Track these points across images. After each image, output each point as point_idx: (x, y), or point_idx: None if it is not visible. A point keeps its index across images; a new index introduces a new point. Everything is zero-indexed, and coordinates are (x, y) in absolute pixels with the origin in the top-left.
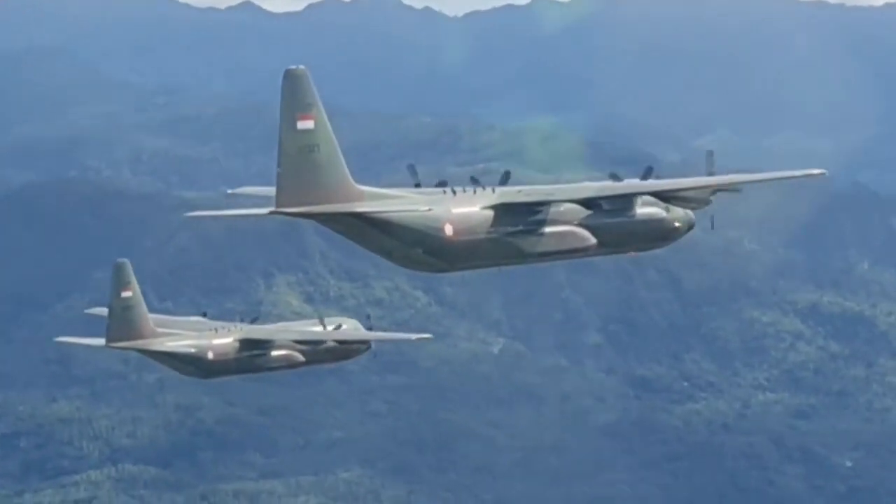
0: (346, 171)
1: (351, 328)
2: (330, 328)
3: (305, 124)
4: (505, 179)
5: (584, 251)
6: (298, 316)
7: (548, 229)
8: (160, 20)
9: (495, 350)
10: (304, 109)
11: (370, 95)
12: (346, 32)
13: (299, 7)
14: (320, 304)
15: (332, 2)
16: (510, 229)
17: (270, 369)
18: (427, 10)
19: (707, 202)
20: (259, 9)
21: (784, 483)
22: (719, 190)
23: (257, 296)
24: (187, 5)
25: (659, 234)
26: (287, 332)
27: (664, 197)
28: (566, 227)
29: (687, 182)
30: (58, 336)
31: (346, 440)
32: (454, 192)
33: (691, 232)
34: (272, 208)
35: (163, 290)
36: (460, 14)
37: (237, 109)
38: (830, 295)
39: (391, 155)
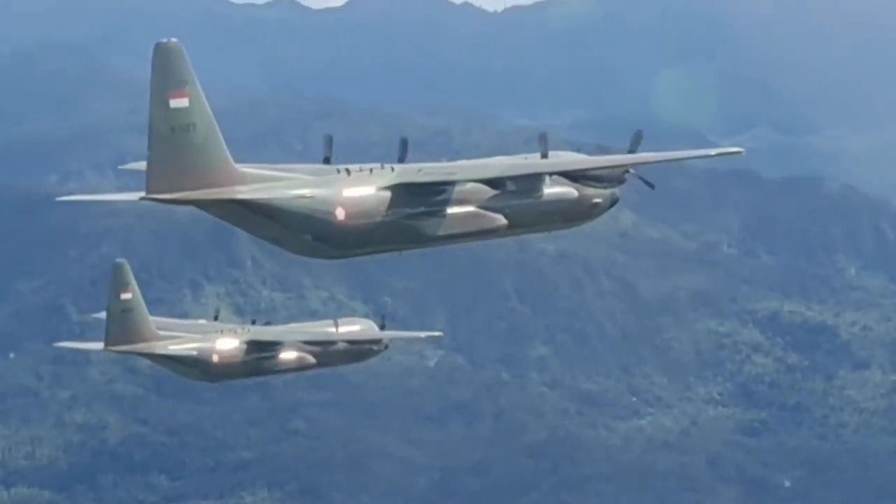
0: (226, 151)
1: (366, 328)
2: (343, 329)
3: (179, 102)
4: (403, 150)
5: (492, 232)
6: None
7: (451, 210)
8: (196, 16)
9: (431, 363)
10: (178, 86)
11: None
12: (386, 29)
13: (339, 3)
14: (250, 315)
15: None
16: (409, 211)
17: (279, 372)
18: (466, 4)
19: (622, 181)
20: (297, 4)
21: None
22: (640, 179)
23: (183, 307)
24: (225, 1)
25: (575, 212)
26: (296, 334)
27: (573, 177)
28: (471, 208)
29: (593, 161)
30: None
31: (256, 461)
32: (348, 172)
33: (614, 208)
34: (142, 194)
35: (82, 303)
36: (500, 9)
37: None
38: (793, 304)
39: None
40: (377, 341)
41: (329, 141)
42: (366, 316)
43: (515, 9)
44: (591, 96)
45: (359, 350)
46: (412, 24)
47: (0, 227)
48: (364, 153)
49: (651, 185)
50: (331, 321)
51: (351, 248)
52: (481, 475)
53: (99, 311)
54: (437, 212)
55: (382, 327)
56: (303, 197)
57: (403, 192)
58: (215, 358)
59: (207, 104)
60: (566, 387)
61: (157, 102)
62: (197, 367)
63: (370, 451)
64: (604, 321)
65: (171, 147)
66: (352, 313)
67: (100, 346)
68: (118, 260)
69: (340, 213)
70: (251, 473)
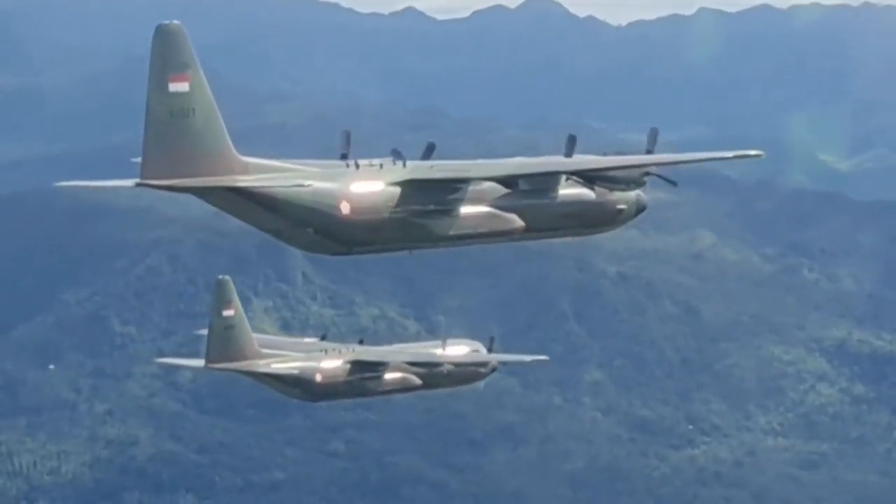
0: (228, 139)
1: (473, 351)
2: (450, 350)
3: (179, 86)
4: (428, 153)
5: (507, 234)
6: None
7: (464, 210)
8: (322, 25)
9: (481, 385)
10: (178, 69)
11: (517, 104)
12: (506, 40)
13: (465, 14)
14: (298, 331)
15: (498, 9)
16: (419, 208)
17: (383, 393)
18: (590, 18)
19: (641, 184)
20: (422, 14)
21: None
22: (658, 176)
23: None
24: (351, 10)
25: (596, 217)
26: (401, 354)
27: (588, 178)
28: (485, 208)
29: (606, 161)
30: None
31: (287, 482)
32: (357, 166)
33: (642, 215)
34: (138, 179)
35: (126, 314)
36: (624, 24)
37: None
38: (862, 332)
39: None
40: (484, 364)
41: (347, 137)
42: (417, 334)
43: (639, 23)
44: (710, 114)
45: (465, 372)
46: (534, 35)
47: (49, 236)
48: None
49: (673, 183)
50: (438, 342)
51: (355, 244)
52: (514, 503)
53: (142, 324)
54: (449, 210)
55: (490, 350)
56: (303, 186)
57: (414, 189)
58: (318, 377)
59: (209, 89)
60: (620, 413)
61: (155, 86)
62: (299, 386)
63: (404, 475)
64: (664, 346)
65: (168, 132)
66: (403, 332)
67: (201, 363)
68: (221, 276)
69: (345, 207)
70: (280, 495)
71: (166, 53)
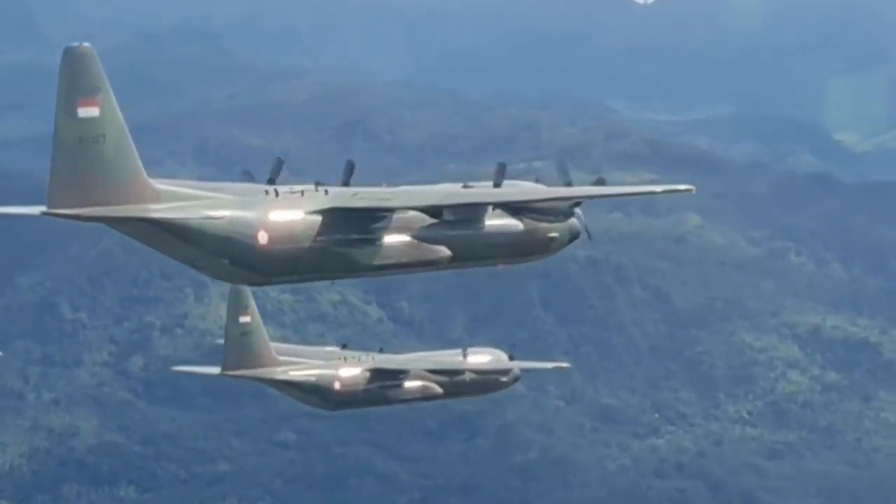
0: (139, 166)
1: (495, 359)
2: (472, 359)
3: (88, 111)
4: (348, 173)
5: (434, 264)
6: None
7: (387, 239)
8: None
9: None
10: (88, 94)
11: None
12: (534, 17)
13: None
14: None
15: None
16: (341, 238)
17: (404, 401)
18: None
19: (569, 215)
20: None
21: None
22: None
23: (183, 308)
24: None
25: (527, 246)
26: (422, 362)
27: (515, 209)
28: (409, 238)
29: (530, 194)
30: None
31: (232, 474)
32: (277, 193)
33: (575, 243)
34: (44, 208)
35: (78, 301)
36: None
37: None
38: (837, 318)
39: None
40: (506, 372)
41: (279, 163)
42: (379, 321)
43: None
44: (734, 92)
45: (486, 381)
46: (561, 10)
47: (2, 219)
48: (442, 147)
49: (589, 236)
50: (459, 350)
51: (273, 275)
52: (464, 496)
53: (94, 310)
54: (373, 239)
55: (511, 358)
56: (216, 218)
57: (335, 218)
58: (337, 385)
59: (121, 114)
60: (585, 401)
61: (63, 111)
62: (317, 394)
63: (353, 467)
64: (633, 332)
65: (77, 159)
66: (364, 318)
67: (216, 370)
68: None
69: (263, 237)
70: (224, 487)
71: (75, 77)
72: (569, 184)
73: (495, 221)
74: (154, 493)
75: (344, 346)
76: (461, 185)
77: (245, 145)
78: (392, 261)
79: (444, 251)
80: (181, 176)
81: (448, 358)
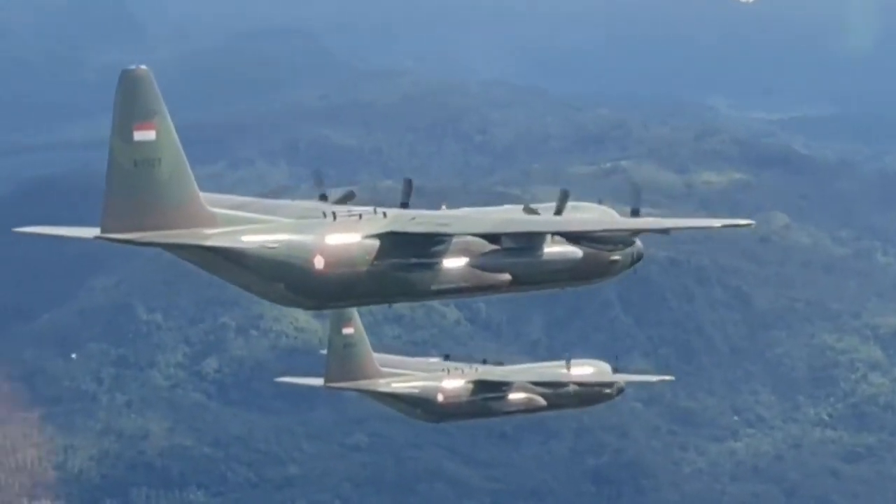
0: (196, 189)
1: (599, 371)
2: (575, 370)
3: (144, 135)
4: (407, 193)
5: (493, 288)
6: (301, 332)
7: (446, 263)
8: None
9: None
10: (144, 118)
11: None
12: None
13: None
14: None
15: None
16: (399, 262)
17: (507, 413)
18: None
19: (628, 244)
20: None
21: None
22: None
23: (259, 309)
24: None
25: (588, 271)
26: (525, 374)
27: (573, 237)
28: (468, 263)
29: (590, 224)
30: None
31: (300, 478)
32: (335, 216)
33: (639, 263)
34: (98, 232)
35: (152, 302)
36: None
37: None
38: None
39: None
40: (610, 384)
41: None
42: (457, 322)
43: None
44: (839, 92)
45: (590, 393)
46: (664, 8)
47: (80, 220)
48: (532, 146)
49: (666, 232)
50: (562, 362)
51: (330, 300)
52: (536, 500)
53: (169, 311)
54: (431, 264)
55: (615, 370)
56: (272, 245)
57: (393, 242)
58: (440, 397)
59: (177, 137)
60: (663, 404)
61: (119, 134)
62: (420, 406)
63: (424, 470)
64: (712, 334)
65: (132, 183)
66: (441, 320)
67: (320, 381)
68: None
69: (319, 262)
70: (293, 492)
71: (132, 100)
72: (636, 212)
73: (554, 248)
74: (223, 496)
75: (447, 358)
76: (522, 207)
77: (336, 145)
78: (451, 285)
79: (504, 276)
80: (272, 176)
81: (552, 370)
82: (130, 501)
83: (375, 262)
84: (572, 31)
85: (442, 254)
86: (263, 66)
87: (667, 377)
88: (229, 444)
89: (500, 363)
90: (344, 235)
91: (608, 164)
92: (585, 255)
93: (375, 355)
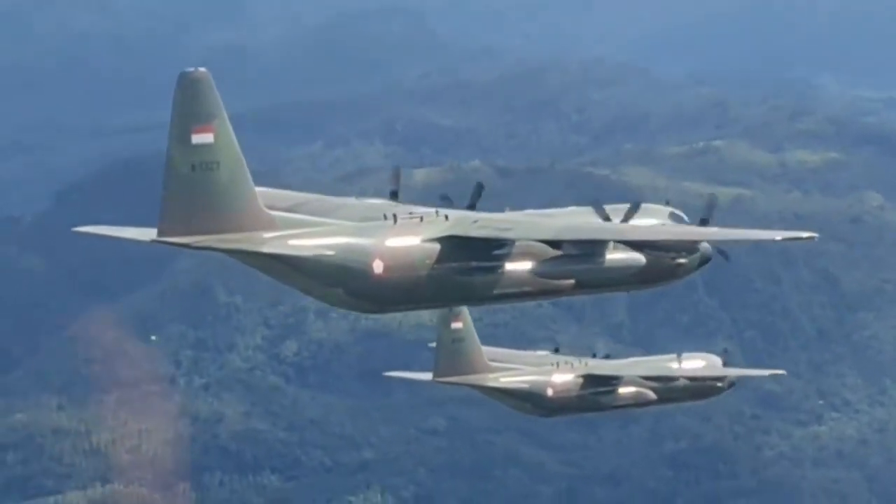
0: (254, 193)
1: (710, 364)
2: (686, 364)
3: (202, 138)
4: (477, 193)
5: (556, 293)
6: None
7: (508, 267)
8: None
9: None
10: (203, 120)
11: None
12: None
13: None
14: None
15: None
16: (460, 266)
17: (616, 407)
18: None
19: (692, 251)
20: None
21: None
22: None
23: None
24: None
25: (653, 275)
26: (635, 368)
27: (636, 245)
28: (530, 267)
29: (659, 233)
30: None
31: (375, 462)
32: (395, 218)
33: (708, 265)
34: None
35: (232, 284)
36: None
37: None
38: None
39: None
40: (721, 378)
41: (397, 173)
42: (538, 305)
43: None
44: None
45: (701, 387)
46: None
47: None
48: (629, 126)
49: (725, 257)
50: (673, 355)
51: (390, 304)
52: (612, 485)
53: (248, 293)
54: (493, 268)
55: (725, 364)
56: (329, 252)
57: (454, 246)
58: (549, 392)
59: (236, 140)
60: (748, 387)
61: (177, 137)
62: (530, 400)
63: (500, 456)
64: (799, 316)
65: (189, 186)
66: (523, 303)
67: (428, 376)
68: None
69: (378, 266)
70: (366, 476)
71: (190, 103)
72: (705, 221)
73: (617, 255)
74: (297, 481)
75: (556, 351)
76: (592, 205)
77: (433, 125)
78: (513, 290)
79: (567, 282)
80: (368, 156)
81: (662, 364)
82: (203, 485)
83: (436, 266)
84: (679, 8)
85: (503, 258)
86: (367, 45)
87: (778, 371)
88: (304, 428)
89: (608, 356)
90: (404, 239)
91: (701, 144)
92: (649, 261)
93: (484, 348)
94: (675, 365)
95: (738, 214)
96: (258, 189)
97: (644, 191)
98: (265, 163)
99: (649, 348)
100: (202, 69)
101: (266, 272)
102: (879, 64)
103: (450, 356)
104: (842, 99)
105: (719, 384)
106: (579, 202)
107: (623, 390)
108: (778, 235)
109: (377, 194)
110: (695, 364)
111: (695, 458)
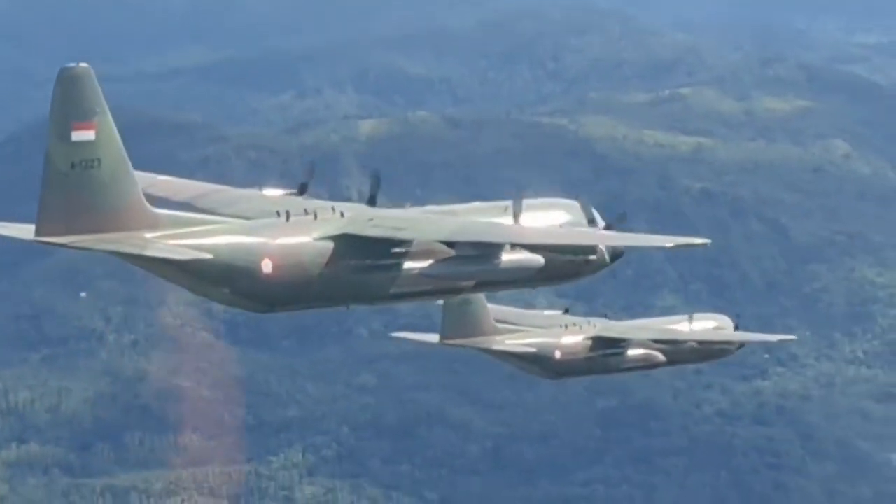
0: (138, 191)
1: (720, 326)
2: (697, 325)
3: (83, 135)
4: (374, 187)
5: (455, 292)
6: None
7: (406, 266)
8: None
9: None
10: (83, 117)
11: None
12: None
13: None
14: None
15: None
16: (354, 265)
17: (626, 370)
18: None
19: (591, 253)
20: None
21: (799, 485)
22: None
23: None
24: None
25: (557, 272)
26: (645, 331)
27: (531, 246)
28: (430, 265)
29: (544, 237)
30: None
31: (297, 420)
32: (288, 216)
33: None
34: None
35: None
36: None
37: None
38: None
39: None
40: (729, 342)
41: (311, 168)
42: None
43: None
44: None
45: (709, 349)
46: None
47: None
48: (604, 73)
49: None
50: (684, 316)
51: (280, 304)
52: (540, 444)
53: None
54: (388, 266)
55: (736, 327)
56: (211, 256)
57: (348, 244)
58: (557, 354)
59: (119, 137)
60: None
61: (56, 134)
62: (537, 363)
63: (427, 413)
64: (747, 268)
65: (68, 185)
66: None
67: (435, 338)
68: None
69: (267, 266)
70: (289, 435)
71: (70, 99)
72: (610, 227)
73: (514, 256)
74: (218, 440)
75: (566, 311)
76: (511, 202)
77: (406, 73)
78: (410, 289)
79: (465, 281)
80: (339, 105)
81: (672, 326)
82: (123, 445)
83: (329, 265)
84: None
85: (400, 257)
86: None
87: (789, 336)
88: (230, 386)
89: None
90: (295, 237)
91: (667, 92)
92: (550, 260)
93: (491, 307)
94: (685, 326)
95: (697, 164)
96: (159, 178)
97: (599, 141)
98: (235, 113)
99: (591, 303)
100: (83, 64)
101: (150, 271)
102: (878, 7)
103: (457, 318)
104: (827, 45)
105: (729, 347)
106: (526, 153)
107: (632, 352)
108: (669, 242)
109: (332, 147)
110: (705, 325)
111: (626, 415)
